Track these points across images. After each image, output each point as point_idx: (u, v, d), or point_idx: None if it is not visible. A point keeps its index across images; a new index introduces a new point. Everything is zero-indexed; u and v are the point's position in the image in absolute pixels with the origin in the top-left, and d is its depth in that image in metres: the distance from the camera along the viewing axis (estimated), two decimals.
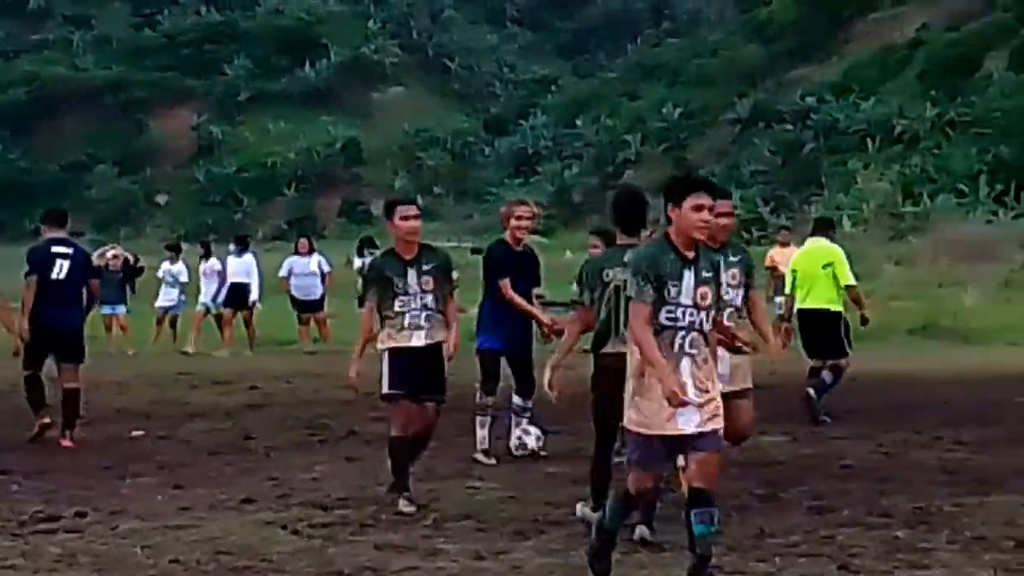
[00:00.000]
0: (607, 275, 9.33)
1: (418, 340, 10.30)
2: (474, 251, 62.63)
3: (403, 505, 10.22)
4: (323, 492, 10.98)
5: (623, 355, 7.94)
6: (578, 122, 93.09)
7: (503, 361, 12.90)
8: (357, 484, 11.33)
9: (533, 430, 13.05)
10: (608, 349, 9.23)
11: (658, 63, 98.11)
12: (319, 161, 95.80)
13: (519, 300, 12.61)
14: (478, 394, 12.86)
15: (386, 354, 10.34)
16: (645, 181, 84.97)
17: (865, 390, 18.22)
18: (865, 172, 60.60)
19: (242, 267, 26.18)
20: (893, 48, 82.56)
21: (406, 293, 10.29)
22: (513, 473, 12.04)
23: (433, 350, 10.36)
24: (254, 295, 25.91)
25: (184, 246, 32.26)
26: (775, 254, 27.20)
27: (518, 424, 13.07)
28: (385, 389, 10.35)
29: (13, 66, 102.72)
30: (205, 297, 26.45)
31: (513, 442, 13.03)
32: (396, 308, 10.30)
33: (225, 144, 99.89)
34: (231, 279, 25.99)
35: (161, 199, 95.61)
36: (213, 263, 26.76)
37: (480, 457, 12.64)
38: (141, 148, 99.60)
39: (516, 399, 12.95)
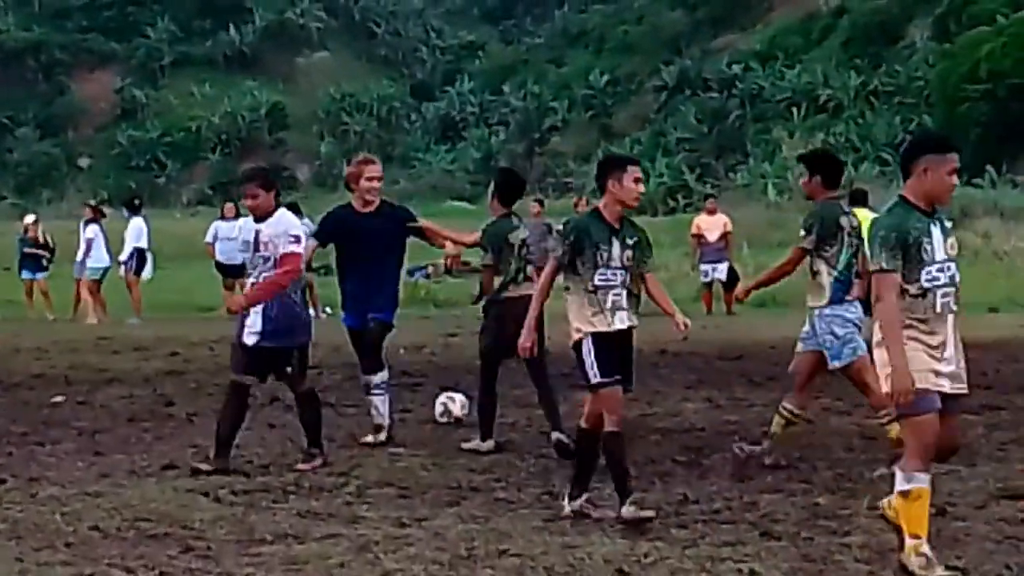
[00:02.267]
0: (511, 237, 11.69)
1: (620, 322, 8.95)
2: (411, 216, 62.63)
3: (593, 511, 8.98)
4: (244, 459, 10.91)
5: (518, 298, 10.85)
6: (504, 88, 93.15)
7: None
8: (279, 451, 11.28)
9: (458, 397, 13.04)
10: (510, 294, 11.53)
11: (584, 29, 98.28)
12: (243, 125, 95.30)
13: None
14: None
15: (589, 338, 8.81)
16: (571, 147, 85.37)
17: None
18: (789, 140, 60.96)
19: (138, 231, 25.61)
20: (817, 16, 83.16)
21: (608, 266, 8.86)
22: (435, 440, 12.01)
23: (631, 334, 9.15)
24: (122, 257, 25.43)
25: (108, 210, 31.83)
26: (700, 221, 27.31)
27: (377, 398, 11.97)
28: (595, 378, 8.78)
29: None
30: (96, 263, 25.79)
31: (438, 409, 13.01)
32: (596, 281, 8.83)
33: (148, 108, 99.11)
34: (135, 244, 25.46)
35: (83, 162, 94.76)
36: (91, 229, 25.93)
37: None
38: (62, 111, 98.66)
39: (365, 377, 11.94)
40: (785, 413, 10.78)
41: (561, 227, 9.27)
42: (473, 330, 14.38)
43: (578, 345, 8.83)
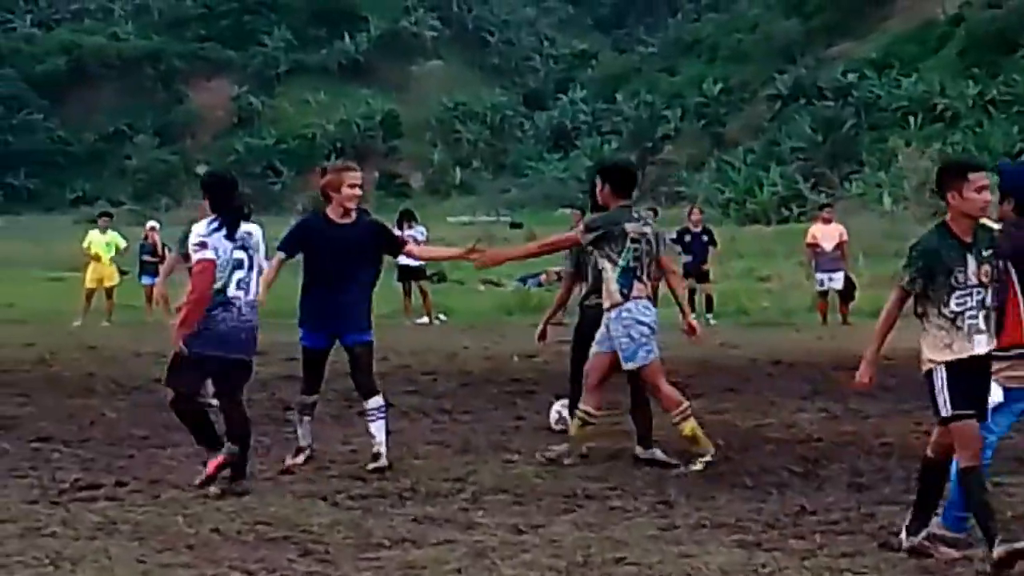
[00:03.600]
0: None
1: (979, 347, 8.03)
2: (512, 225, 62.74)
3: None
4: (360, 464, 10.98)
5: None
6: (617, 97, 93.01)
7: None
8: (394, 456, 11.32)
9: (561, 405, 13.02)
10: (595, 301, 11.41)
11: (697, 38, 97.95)
12: (357, 133, 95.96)
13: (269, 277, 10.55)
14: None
15: (942, 368, 8.02)
16: (683, 156, 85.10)
17: (903, 367, 18.12)
18: (906, 149, 60.35)
19: None
20: (934, 24, 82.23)
21: (964, 287, 8.00)
22: (550, 447, 12.01)
23: (988, 359, 8.16)
24: None
25: None
26: (816, 231, 27.05)
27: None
28: (947, 411, 7.98)
29: (53, 36, 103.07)
30: None
31: (552, 416, 13.01)
32: (953, 306, 7.99)
33: (264, 115, 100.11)
34: None
35: (200, 169, 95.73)
36: None
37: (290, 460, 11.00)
38: (180, 118, 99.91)
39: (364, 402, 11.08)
40: (580, 414, 11.20)
41: (674, 235, 9.24)
42: None
43: (929, 375, 8.09)
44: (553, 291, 31.84)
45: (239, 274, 10.04)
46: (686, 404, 11.28)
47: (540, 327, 12.76)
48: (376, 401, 10.98)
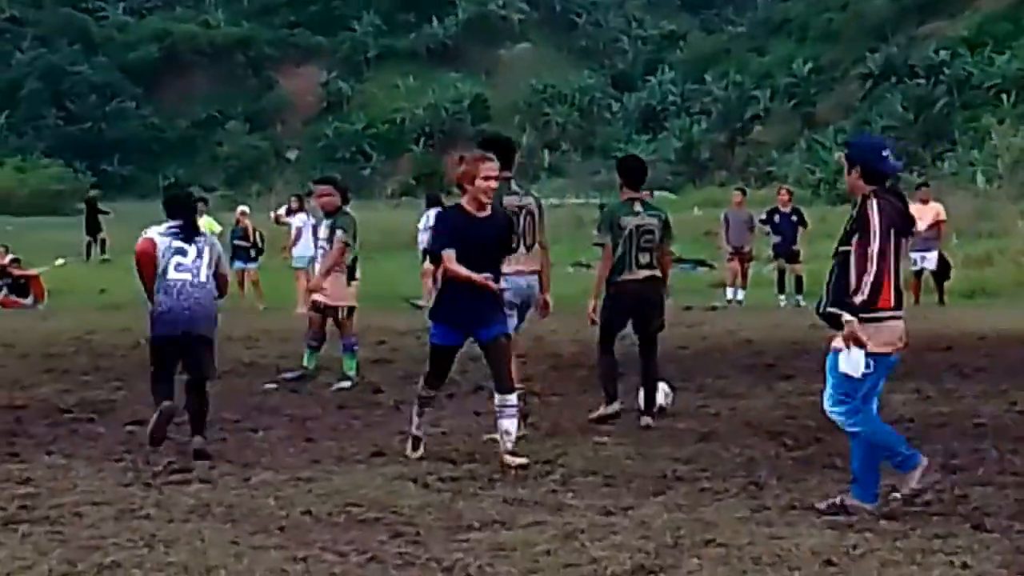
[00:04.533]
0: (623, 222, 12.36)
1: None
2: (602, 207, 62.74)
3: None
4: (451, 446, 11.05)
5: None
6: (706, 77, 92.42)
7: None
8: (484, 439, 11.37)
9: (662, 386, 13.01)
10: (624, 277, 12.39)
11: (786, 17, 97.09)
12: (446, 117, 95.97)
13: (466, 273, 10.30)
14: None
15: None
16: (773, 137, 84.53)
17: (998, 347, 17.97)
18: (999, 128, 59.58)
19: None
20: None
21: None
22: (639, 429, 12.02)
23: None
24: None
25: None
26: (913, 209, 26.51)
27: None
28: None
29: (145, 24, 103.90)
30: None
31: (657, 398, 12.99)
32: None
33: (353, 100, 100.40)
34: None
35: (291, 155, 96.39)
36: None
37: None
38: (270, 105, 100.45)
39: (497, 397, 10.56)
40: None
41: (764, 216, 9.24)
42: (672, 322, 14.34)
43: None
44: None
45: (179, 259, 11.19)
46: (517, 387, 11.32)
47: (590, 306, 12.99)
48: (514, 397, 10.52)
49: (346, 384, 15.10)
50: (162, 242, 11.22)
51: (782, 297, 26.89)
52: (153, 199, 77.39)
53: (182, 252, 11.22)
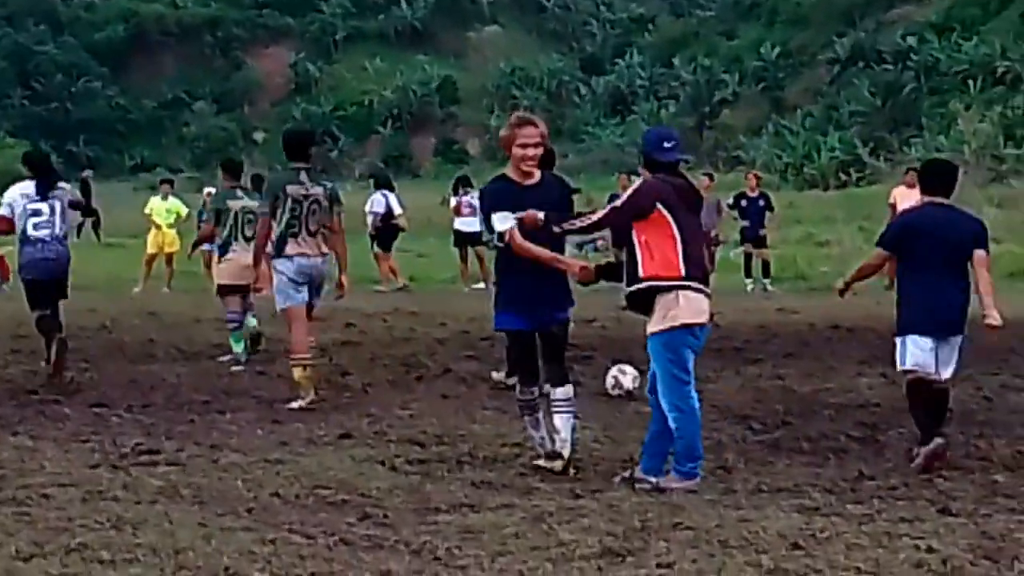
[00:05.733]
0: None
1: None
2: (572, 191, 62.69)
3: None
4: (419, 429, 11.05)
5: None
6: (674, 61, 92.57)
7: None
8: (452, 422, 11.38)
9: (629, 370, 13.05)
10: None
11: (755, 2, 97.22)
12: (415, 100, 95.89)
13: (529, 247, 9.34)
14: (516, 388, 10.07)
15: None
16: (742, 121, 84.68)
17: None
18: (966, 113, 59.83)
19: None
20: None
21: None
22: (607, 413, 12.04)
23: None
24: None
25: None
26: (898, 193, 26.24)
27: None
28: None
29: (112, 3, 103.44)
30: None
31: (609, 382, 13.04)
32: None
33: (322, 82, 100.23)
34: None
35: (258, 136, 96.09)
36: None
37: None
38: (238, 85, 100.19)
39: (550, 391, 9.78)
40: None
41: (731, 201, 9.43)
42: None
43: None
44: (607, 254, 31.86)
45: (37, 219, 13.88)
46: (304, 356, 12.66)
47: None
48: (566, 391, 9.70)
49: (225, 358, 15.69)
50: (17, 206, 13.90)
51: (749, 281, 26.95)
52: (119, 179, 77.31)
53: (38, 213, 13.90)
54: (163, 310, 21.32)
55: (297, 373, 12.66)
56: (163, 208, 28.10)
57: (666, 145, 9.11)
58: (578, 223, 9.17)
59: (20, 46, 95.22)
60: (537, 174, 9.58)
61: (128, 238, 36.68)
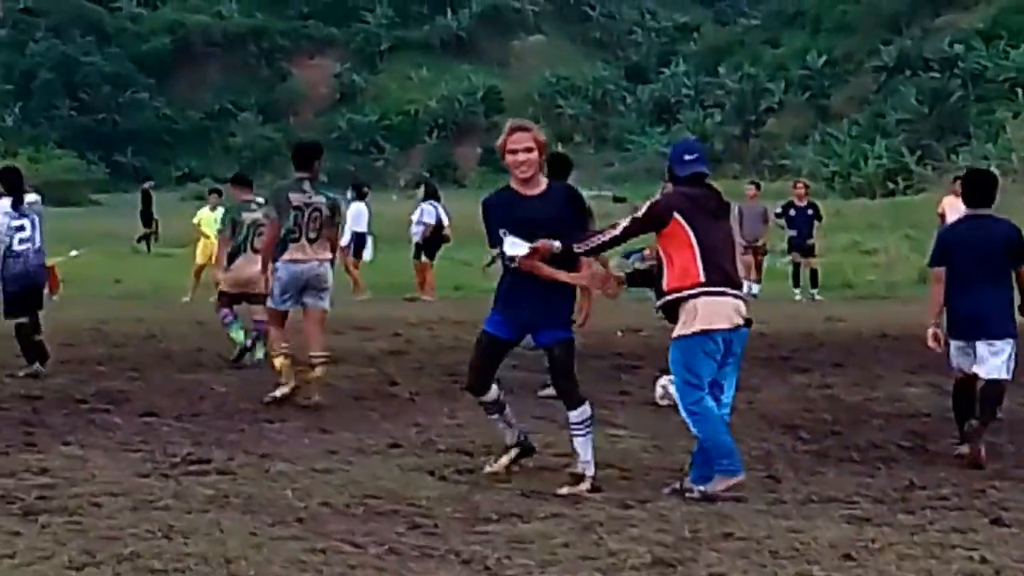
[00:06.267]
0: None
1: None
2: (616, 199, 62.56)
3: None
4: (467, 438, 11.04)
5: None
6: (719, 70, 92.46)
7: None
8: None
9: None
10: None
11: (800, 10, 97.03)
12: (459, 109, 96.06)
13: (539, 267, 9.17)
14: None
15: None
16: (787, 129, 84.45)
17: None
18: (1013, 121, 59.53)
19: (359, 216, 27.34)
20: None
21: None
22: (655, 422, 12.01)
23: None
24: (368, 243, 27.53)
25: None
26: (947, 202, 26.06)
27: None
28: None
29: (158, 15, 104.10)
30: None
31: (658, 392, 13.00)
32: None
33: (366, 92, 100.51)
34: (355, 228, 27.07)
35: None
36: None
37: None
38: (283, 96, 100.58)
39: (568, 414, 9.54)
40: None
41: (779, 210, 9.42)
42: None
43: None
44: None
45: (21, 235, 14.97)
46: (284, 347, 13.35)
47: None
48: (582, 412, 9.40)
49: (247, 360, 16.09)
50: (3, 223, 14.88)
51: (797, 291, 26.86)
52: (166, 190, 77.63)
53: (21, 228, 15.01)
54: (211, 319, 21.29)
55: (278, 362, 13.39)
56: (212, 218, 28.16)
57: (687, 158, 9.17)
58: (597, 241, 9.14)
59: (67, 57, 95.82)
60: (543, 183, 9.40)
61: (176, 248, 36.87)
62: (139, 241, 43.80)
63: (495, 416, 9.82)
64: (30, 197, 15.46)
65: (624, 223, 9.14)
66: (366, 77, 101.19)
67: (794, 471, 9.80)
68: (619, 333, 19.09)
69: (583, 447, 9.34)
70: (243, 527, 7.97)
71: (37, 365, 14.98)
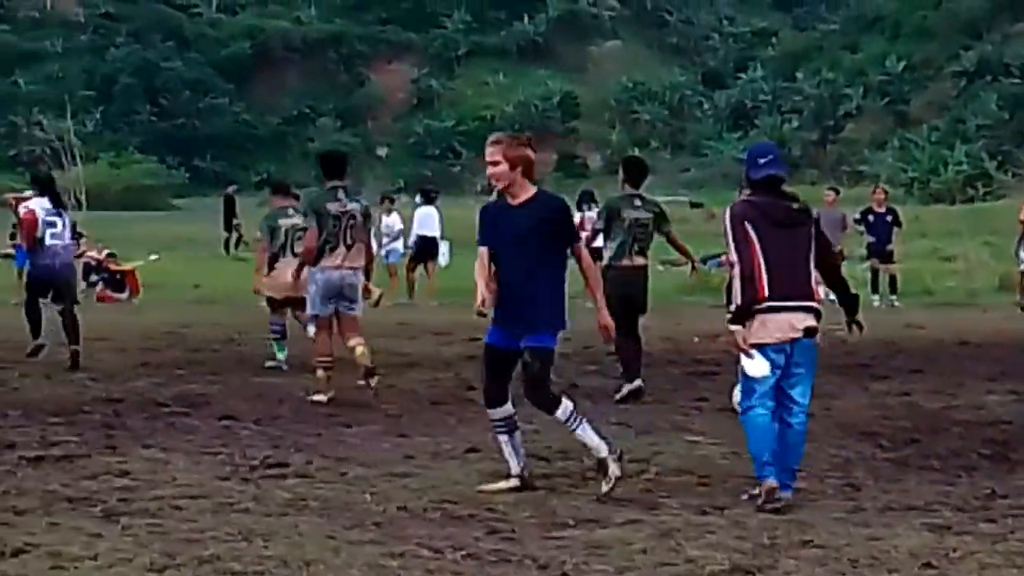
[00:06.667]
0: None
1: None
2: (692, 205, 62.46)
3: None
4: (544, 444, 11.01)
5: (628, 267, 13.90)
6: (797, 75, 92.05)
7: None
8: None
9: None
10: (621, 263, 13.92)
11: (879, 15, 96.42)
12: (535, 115, 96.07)
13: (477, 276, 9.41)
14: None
15: None
16: (865, 135, 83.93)
17: None
18: None
19: (427, 219, 27.48)
20: None
21: None
22: (733, 429, 11.95)
23: None
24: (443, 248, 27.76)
25: (403, 198, 32.95)
26: None
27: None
28: None
29: (237, 20, 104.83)
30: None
31: (735, 398, 12.94)
32: None
33: (443, 97, 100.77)
34: (420, 232, 27.28)
35: (381, 151, 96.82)
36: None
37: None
38: (361, 101, 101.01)
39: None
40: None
41: (858, 215, 9.26)
42: None
43: None
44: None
45: (52, 230, 16.44)
46: (327, 358, 13.72)
47: None
48: (562, 412, 9.24)
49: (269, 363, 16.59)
50: (40, 215, 16.42)
51: (876, 297, 26.68)
52: (245, 194, 78.20)
53: (53, 224, 16.50)
54: (289, 323, 21.48)
55: (319, 373, 13.76)
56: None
57: (760, 162, 9.05)
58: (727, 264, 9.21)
59: (147, 63, 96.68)
60: (528, 193, 9.36)
61: (253, 252, 37.05)
62: (229, 246, 44.17)
63: (504, 437, 9.44)
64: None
65: (734, 249, 8.90)
66: (443, 82, 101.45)
67: (873, 479, 9.73)
68: (695, 339, 19.05)
69: (585, 437, 9.22)
70: (321, 531, 8.02)
71: (44, 339, 16.58)
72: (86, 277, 31.32)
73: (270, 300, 16.68)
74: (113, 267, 30.45)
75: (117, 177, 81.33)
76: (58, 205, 16.78)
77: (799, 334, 8.85)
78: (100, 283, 30.26)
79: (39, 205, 16.58)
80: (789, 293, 8.86)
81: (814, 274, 9.01)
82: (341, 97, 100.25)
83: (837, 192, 28.75)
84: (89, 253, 31.67)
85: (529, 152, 9.44)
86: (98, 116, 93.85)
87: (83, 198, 72.90)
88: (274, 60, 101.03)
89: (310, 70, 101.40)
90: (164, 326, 20.64)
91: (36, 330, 16.58)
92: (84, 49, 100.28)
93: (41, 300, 16.73)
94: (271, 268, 16.48)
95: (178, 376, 15.36)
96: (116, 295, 29.63)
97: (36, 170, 18.98)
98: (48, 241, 16.46)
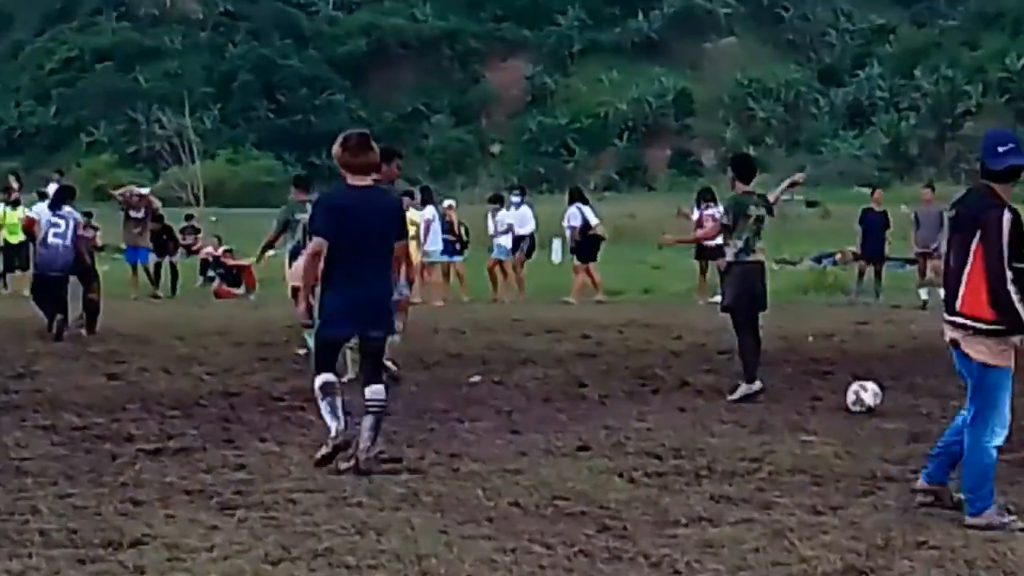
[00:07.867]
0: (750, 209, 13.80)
1: None
2: (809, 204, 61.96)
3: None
4: (656, 441, 11.01)
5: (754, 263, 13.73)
6: (915, 72, 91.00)
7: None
8: (690, 435, 11.33)
9: (870, 386, 12.87)
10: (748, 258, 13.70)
11: (1000, 11, 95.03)
12: (650, 112, 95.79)
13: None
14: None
15: None
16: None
17: None
18: None
19: (520, 218, 27.67)
20: None
21: None
22: (848, 428, 11.88)
23: None
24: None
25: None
26: None
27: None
28: None
29: (354, 18, 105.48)
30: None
31: (850, 397, 12.86)
32: None
33: (557, 94, 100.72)
34: (521, 230, 27.52)
35: (495, 148, 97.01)
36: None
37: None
38: (476, 98, 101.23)
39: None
40: None
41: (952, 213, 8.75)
42: (885, 319, 14.19)
43: None
44: (848, 270, 31.42)
45: (55, 230, 18.77)
46: None
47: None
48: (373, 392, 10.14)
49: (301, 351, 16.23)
50: (43, 217, 19.09)
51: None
52: None
53: (56, 225, 18.84)
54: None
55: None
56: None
57: (1000, 150, 8.31)
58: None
59: (266, 59, 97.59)
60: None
61: None
62: None
63: (325, 400, 10.15)
64: (66, 208, 19.37)
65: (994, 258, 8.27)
66: (557, 79, 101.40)
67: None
68: (810, 338, 18.92)
69: (369, 424, 10.00)
70: (434, 525, 8.07)
71: (60, 318, 18.40)
72: (203, 272, 31.75)
73: (294, 288, 16.83)
74: (230, 262, 30.79)
75: (235, 173, 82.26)
76: (58, 209, 19.28)
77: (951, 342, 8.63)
78: (217, 279, 30.66)
79: (40, 210, 19.77)
80: (947, 307, 8.63)
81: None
82: (455, 94, 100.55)
83: (933, 188, 28.45)
84: (206, 249, 32.09)
85: None
86: (216, 113, 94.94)
87: (201, 194, 73.84)
88: (390, 57, 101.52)
89: (425, 67, 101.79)
90: (281, 321, 20.79)
91: (49, 314, 18.64)
92: (203, 46, 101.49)
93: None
94: (293, 258, 16.90)
95: (294, 371, 15.48)
96: (233, 290, 29.97)
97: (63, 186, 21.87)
98: (51, 239, 18.96)
